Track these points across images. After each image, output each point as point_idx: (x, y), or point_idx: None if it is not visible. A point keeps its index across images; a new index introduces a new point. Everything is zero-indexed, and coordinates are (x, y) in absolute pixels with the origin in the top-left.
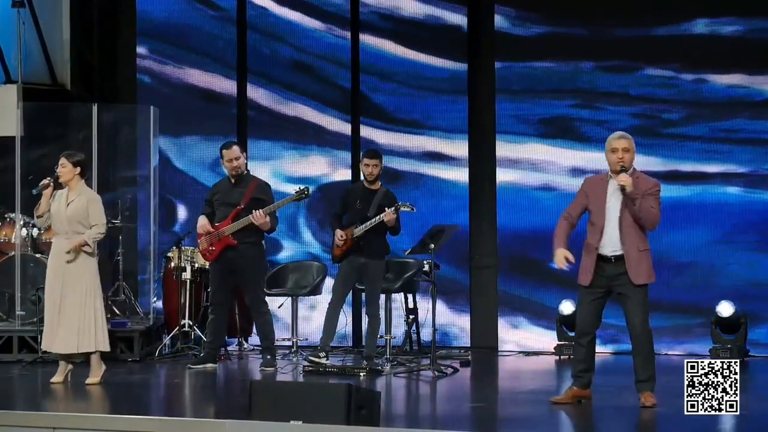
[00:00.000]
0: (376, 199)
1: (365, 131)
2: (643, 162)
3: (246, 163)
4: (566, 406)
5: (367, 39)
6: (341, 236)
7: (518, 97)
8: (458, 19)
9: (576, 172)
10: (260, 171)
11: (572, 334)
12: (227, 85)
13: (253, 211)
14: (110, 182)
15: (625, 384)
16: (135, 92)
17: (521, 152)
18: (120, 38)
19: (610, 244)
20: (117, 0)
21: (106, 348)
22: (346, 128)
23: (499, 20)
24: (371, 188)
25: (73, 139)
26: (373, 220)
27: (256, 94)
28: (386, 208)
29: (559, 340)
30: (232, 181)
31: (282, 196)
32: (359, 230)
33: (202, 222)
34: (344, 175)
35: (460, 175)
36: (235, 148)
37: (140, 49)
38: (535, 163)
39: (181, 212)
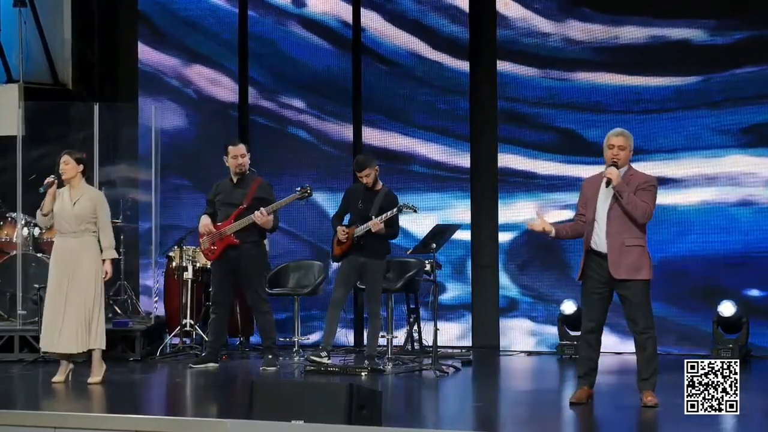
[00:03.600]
0: (377, 199)
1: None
2: None
3: (248, 163)
4: (567, 406)
5: (581, 76)
6: (344, 231)
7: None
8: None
9: None
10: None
11: (574, 333)
12: (230, 85)
13: (256, 211)
14: (111, 181)
15: (626, 383)
16: (136, 91)
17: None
18: (121, 37)
19: (602, 239)
20: None
21: (102, 346)
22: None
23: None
24: (373, 189)
25: (74, 138)
26: (367, 224)
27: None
28: (382, 210)
29: (561, 340)
30: (234, 180)
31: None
32: (360, 230)
33: (205, 221)
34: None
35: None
36: (242, 146)
37: (142, 49)
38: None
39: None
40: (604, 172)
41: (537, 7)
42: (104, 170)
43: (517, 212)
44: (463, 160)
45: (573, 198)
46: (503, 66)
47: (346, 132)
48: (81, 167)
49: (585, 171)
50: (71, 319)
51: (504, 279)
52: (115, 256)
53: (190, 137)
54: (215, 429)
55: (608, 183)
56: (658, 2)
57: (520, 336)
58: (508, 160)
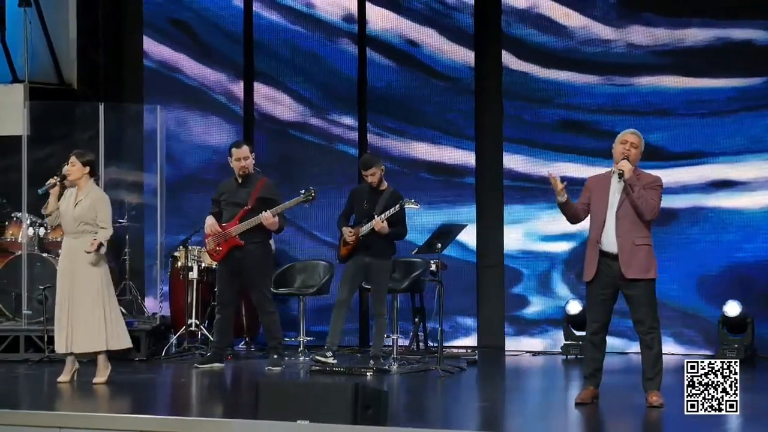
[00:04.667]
0: (382, 199)
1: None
2: None
3: (253, 163)
4: (572, 406)
5: (643, 81)
6: (350, 232)
7: None
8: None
9: None
10: (514, 232)
11: (579, 333)
12: (235, 85)
13: (263, 212)
14: (116, 182)
15: (624, 383)
16: (141, 92)
17: None
18: (126, 37)
19: (612, 240)
20: None
21: (128, 344)
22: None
23: None
24: (378, 189)
25: (80, 138)
26: (371, 223)
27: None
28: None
29: (566, 340)
30: (239, 180)
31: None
32: (365, 229)
33: (210, 222)
34: None
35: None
36: (245, 148)
37: (146, 47)
38: None
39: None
40: (615, 166)
41: (597, 14)
42: (109, 170)
43: None
44: (525, 167)
45: None
46: (562, 75)
47: (403, 147)
48: (87, 169)
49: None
50: (82, 319)
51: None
52: (105, 237)
53: (196, 136)
54: (220, 429)
55: (620, 175)
56: (720, 3)
57: (526, 336)
58: (570, 169)
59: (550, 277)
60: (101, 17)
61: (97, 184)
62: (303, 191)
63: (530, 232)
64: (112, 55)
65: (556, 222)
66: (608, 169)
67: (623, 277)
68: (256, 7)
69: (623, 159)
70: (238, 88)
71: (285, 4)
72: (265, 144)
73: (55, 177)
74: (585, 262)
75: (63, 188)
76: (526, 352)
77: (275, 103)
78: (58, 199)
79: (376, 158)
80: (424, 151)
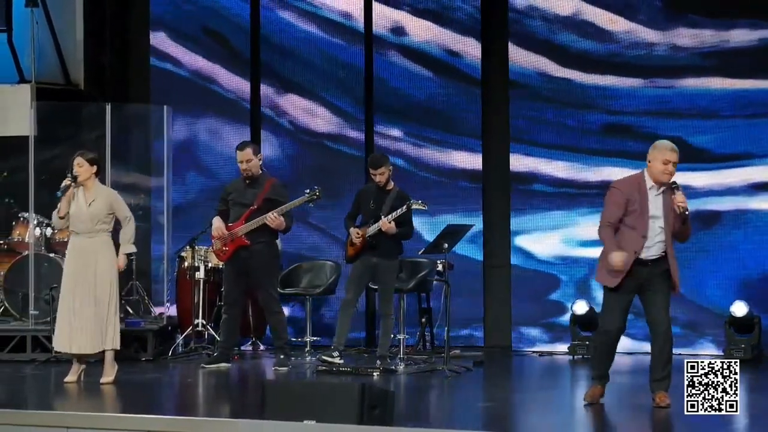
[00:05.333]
0: (389, 199)
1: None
2: None
3: (260, 164)
4: (576, 407)
5: (688, 83)
6: (357, 234)
7: None
8: None
9: None
10: (550, 238)
11: (585, 334)
12: (241, 83)
13: (269, 213)
14: (123, 182)
15: (630, 383)
16: (148, 92)
17: None
18: (133, 38)
19: (652, 249)
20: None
21: (117, 346)
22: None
23: None
24: (385, 189)
25: (86, 138)
26: (378, 223)
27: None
28: (393, 210)
29: (573, 340)
30: (247, 181)
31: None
32: (372, 230)
33: (218, 224)
34: None
35: None
36: (248, 150)
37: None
38: None
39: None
40: (670, 194)
41: (642, 18)
42: (116, 171)
43: None
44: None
45: None
46: (605, 79)
47: (442, 157)
48: (94, 168)
49: (694, 178)
50: (86, 319)
51: (516, 279)
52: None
53: (282, 167)
54: (227, 429)
55: (682, 211)
56: (766, 4)
57: (533, 336)
58: (609, 173)
59: (588, 284)
60: (108, 17)
61: (103, 183)
62: (308, 191)
63: (568, 238)
64: (118, 56)
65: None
66: (634, 172)
67: (655, 276)
68: (294, 19)
69: (665, 183)
70: (275, 99)
71: (323, 15)
72: (301, 155)
73: (69, 179)
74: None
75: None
76: (533, 352)
77: (311, 114)
78: (70, 201)
79: (384, 158)
80: (462, 159)
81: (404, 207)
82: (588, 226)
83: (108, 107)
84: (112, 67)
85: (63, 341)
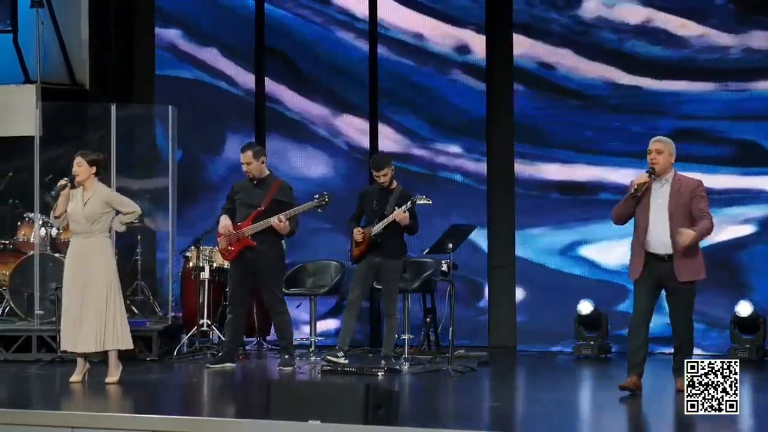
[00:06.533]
0: (392, 198)
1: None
2: None
3: (264, 165)
4: (579, 407)
5: (761, 86)
6: (359, 232)
7: None
8: None
9: None
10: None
11: (590, 334)
12: (247, 80)
13: (275, 216)
14: (129, 182)
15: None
16: (153, 92)
17: None
18: (138, 38)
19: (658, 242)
20: None
21: (129, 345)
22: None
23: None
24: (388, 189)
25: (92, 138)
26: (387, 218)
27: None
28: (397, 207)
29: (577, 341)
30: (254, 181)
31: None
32: (376, 229)
33: (225, 222)
34: None
35: None
36: (248, 153)
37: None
38: None
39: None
40: (678, 240)
41: (714, 22)
42: (121, 170)
43: None
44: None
45: (755, 211)
46: (676, 84)
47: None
48: (93, 169)
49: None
50: (88, 319)
51: (521, 279)
52: (121, 229)
53: (331, 183)
54: (232, 429)
55: (650, 173)
56: None
57: (537, 336)
58: None
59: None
60: (113, 18)
61: (108, 185)
62: (317, 196)
63: None
64: (123, 56)
65: None
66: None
67: (672, 278)
68: (356, 41)
69: (652, 171)
70: (338, 121)
71: (394, 37)
72: (355, 174)
73: (66, 179)
74: (630, 262)
75: (72, 189)
76: (537, 351)
77: (365, 134)
78: (67, 201)
79: (387, 159)
80: (554, 171)
81: (408, 203)
82: None
83: (113, 107)
84: (117, 67)
85: (67, 341)
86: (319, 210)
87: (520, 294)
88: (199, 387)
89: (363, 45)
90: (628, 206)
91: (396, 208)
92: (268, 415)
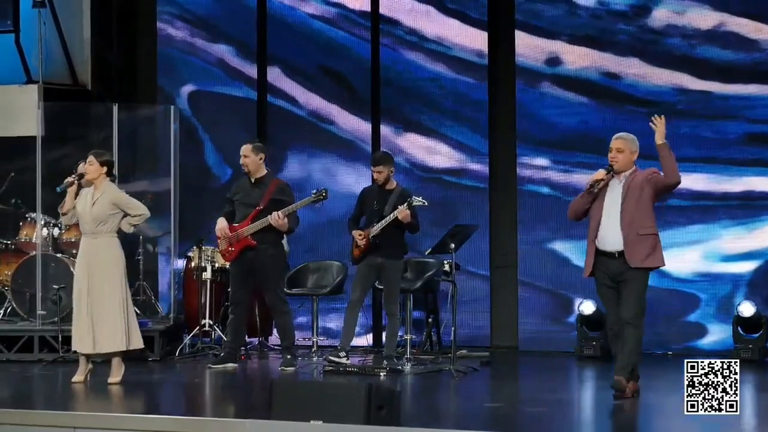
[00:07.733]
0: (391, 198)
1: None
2: None
3: (263, 164)
4: (581, 407)
5: None
6: (360, 235)
7: None
8: None
9: None
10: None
11: (593, 334)
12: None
13: (273, 213)
14: (131, 182)
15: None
16: (155, 92)
17: None
18: (140, 38)
19: (608, 240)
20: None
21: (122, 347)
22: None
23: None
24: (386, 188)
25: (94, 138)
26: (388, 217)
27: None
28: (399, 206)
29: (579, 341)
30: (252, 181)
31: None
32: (376, 229)
33: (221, 225)
34: None
35: None
36: (247, 146)
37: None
38: None
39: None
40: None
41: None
42: (123, 170)
43: (764, 238)
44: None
45: None
46: (747, 89)
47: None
48: (104, 169)
49: None
50: (107, 319)
51: (523, 279)
52: (128, 230)
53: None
54: (234, 429)
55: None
56: None
57: (539, 336)
58: (755, 183)
59: (732, 302)
60: (115, 17)
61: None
62: (314, 191)
63: (710, 252)
64: (126, 56)
65: (741, 239)
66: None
67: (624, 270)
68: (404, 52)
69: (611, 169)
70: (391, 137)
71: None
72: (418, 189)
73: (73, 176)
74: (586, 259)
75: (80, 187)
76: (539, 352)
77: (431, 152)
78: (75, 198)
79: (386, 157)
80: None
81: (405, 204)
82: (731, 239)
83: (115, 107)
84: (120, 67)
85: (83, 343)
86: (317, 205)
87: (522, 294)
88: (201, 387)
89: (431, 65)
90: (583, 202)
91: (396, 208)
92: (270, 415)
